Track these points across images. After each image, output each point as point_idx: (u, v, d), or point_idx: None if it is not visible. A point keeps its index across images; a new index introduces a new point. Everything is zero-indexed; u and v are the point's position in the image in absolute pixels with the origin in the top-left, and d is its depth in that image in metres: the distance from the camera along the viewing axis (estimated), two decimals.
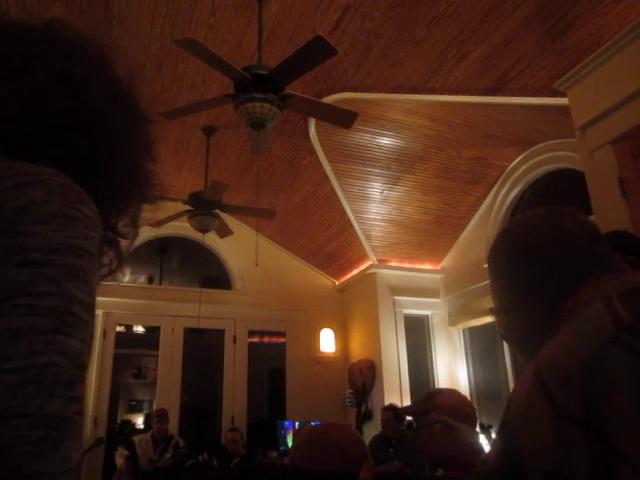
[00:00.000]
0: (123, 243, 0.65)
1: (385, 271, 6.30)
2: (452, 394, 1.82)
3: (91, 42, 0.60)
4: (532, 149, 5.17)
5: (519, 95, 4.02)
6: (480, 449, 1.64)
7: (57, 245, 0.44)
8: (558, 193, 5.00)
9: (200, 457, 4.62)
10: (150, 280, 7.76)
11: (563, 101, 3.25)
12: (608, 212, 2.76)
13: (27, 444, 0.38)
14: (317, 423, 1.57)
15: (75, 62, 0.57)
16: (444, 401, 1.74)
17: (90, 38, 0.60)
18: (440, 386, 6.07)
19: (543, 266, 0.79)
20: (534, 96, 3.98)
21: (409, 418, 5.34)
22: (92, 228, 0.48)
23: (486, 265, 0.91)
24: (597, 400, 0.55)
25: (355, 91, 4.26)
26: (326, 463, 1.26)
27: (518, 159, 5.33)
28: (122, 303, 6.16)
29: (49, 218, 0.44)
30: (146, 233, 6.38)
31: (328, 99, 4.24)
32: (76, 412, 0.42)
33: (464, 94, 4.16)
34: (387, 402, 5.50)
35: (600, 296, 0.67)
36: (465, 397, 1.85)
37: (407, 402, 5.78)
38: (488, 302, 0.91)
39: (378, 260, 6.24)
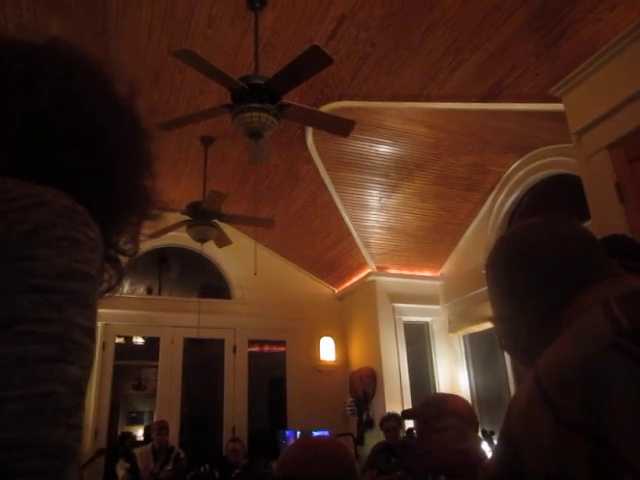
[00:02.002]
0: (123, 259, 0.65)
1: (384, 278, 6.30)
2: (462, 400, 1.82)
3: (91, 60, 0.60)
4: (529, 155, 5.19)
5: (515, 101, 4.04)
6: (482, 457, 1.63)
7: (61, 270, 0.44)
8: (556, 199, 5.01)
9: (202, 468, 4.60)
10: (149, 291, 7.75)
11: (559, 107, 3.27)
12: (606, 217, 2.77)
13: (32, 474, 0.38)
14: (310, 434, 1.56)
15: (76, 81, 0.57)
16: (457, 407, 1.73)
17: (90, 56, 0.60)
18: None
19: (541, 274, 0.79)
20: (530, 102, 4.00)
21: (409, 425, 5.32)
22: (95, 250, 0.48)
23: (485, 280, 0.91)
24: (597, 406, 0.55)
25: (352, 99, 4.28)
26: (329, 474, 1.25)
27: (515, 165, 5.35)
28: (121, 314, 6.13)
29: (55, 242, 0.45)
30: (144, 244, 6.37)
31: (325, 108, 4.26)
32: (76, 439, 0.42)
33: (460, 101, 4.18)
34: (388, 410, 5.49)
35: (598, 302, 0.67)
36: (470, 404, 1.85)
37: None
38: (488, 308, 0.91)
39: (377, 268, 6.24)
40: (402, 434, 4.86)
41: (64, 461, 0.40)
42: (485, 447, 4.55)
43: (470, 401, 5.89)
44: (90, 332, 0.46)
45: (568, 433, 0.57)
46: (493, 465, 0.69)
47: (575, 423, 0.56)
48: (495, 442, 4.42)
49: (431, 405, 1.75)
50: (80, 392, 0.43)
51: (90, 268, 0.47)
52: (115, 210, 0.60)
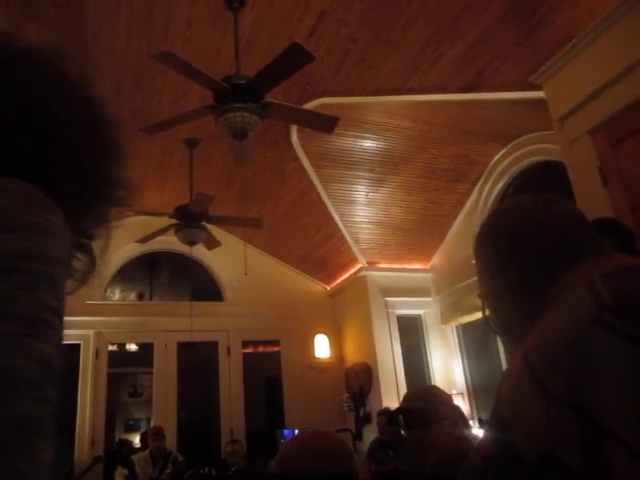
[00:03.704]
0: (98, 247, 0.64)
1: (375, 273, 6.31)
2: (442, 389, 1.83)
3: (33, 47, 0.59)
4: (512, 144, 5.22)
5: (497, 91, 4.06)
6: (473, 442, 1.64)
7: (24, 252, 0.44)
8: (541, 186, 5.05)
9: (201, 471, 4.59)
10: (140, 297, 7.72)
11: (540, 94, 3.29)
12: (590, 201, 2.79)
13: None
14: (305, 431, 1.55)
15: (18, 66, 0.56)
16: (444, 396, 1.75)
17: (42, 46, 0.59)
18: (437, 384, 6.08)
19: (530, 251, 0.80)
20: (512, 91, 4.02)
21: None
22: (59, 235, 0.48)
23: (473, 257, 0.91)
24: (584, 381, 0.56)
25: (335, 96, 4.28)
26: (328, 467, 1.26)
27: (500, 154, 5.38)
28: (113, 322, 6.11)
29: (15, 226, 0.44)
30: (134, 250, 6.34)
31: (308, 105, 4.26)
32: (45, 413, 0.41)
33: (443, 93, 4.20)
34: (385, 404, 5.51)
35: (584, 279, 0.68)
36: None
37: None
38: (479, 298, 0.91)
39: (367, 263, 6.25)
40: (399, 428, 4.86)
41: (29, 432, 0.39)
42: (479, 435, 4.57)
43: (465, 391, 5.92)
44: (58, 313, 0.45)
45: (558, 409, 0.57)
46: (485, 445, 0.70)
47: (564, 399, 0.57)
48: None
49: (425, 399, 1.75)
50: (51, 368, 0.43)
51: (55, 251, 0.46)
52: (81, 196, 0.59)
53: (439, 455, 1.64)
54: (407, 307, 6.39)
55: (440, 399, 1.73)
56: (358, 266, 6.33)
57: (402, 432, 4.77)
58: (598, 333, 0.57)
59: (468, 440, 1.65)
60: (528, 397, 0.61)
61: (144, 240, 5.23)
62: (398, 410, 1.84)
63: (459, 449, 1.61)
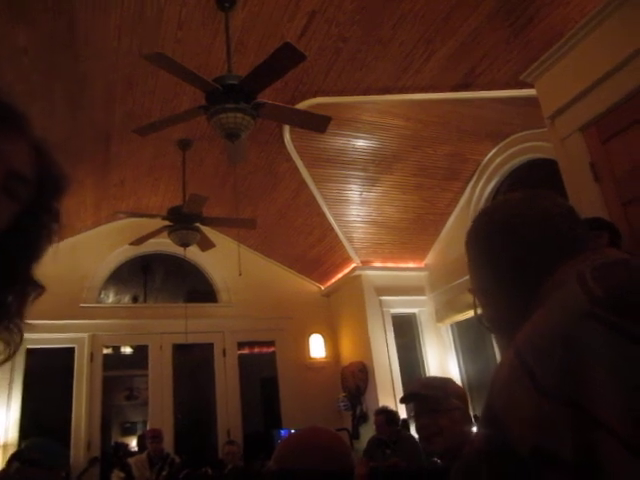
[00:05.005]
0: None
1: (370, 272, 6.32)
2: (456, 382, 1.84)
3: None
4: (505, 142, 5.24)
5: (488, 89, 4.08)
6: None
7: None
8: (534, 183, 5.07)
9: (198, 472, 4.59)
10: (135, 299, 7.68)
11: (532, 92, 3.31)
12: (582, 196, 2.81)
13: None
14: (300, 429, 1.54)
15: None
16: (457, 388, 1.76)
17: None
18: None
19: (523, 247, 0.80)
20: (503, 89, 4.04)
21: (404, 416, 5.35)
22: None
23: (465, 254, 0.91)
24: (577, 374, 0.56)
25: (327, 95, 4.29)
26: (326, 464, 1.26)
27: (492, 152, 5.40)
28: (108, 325, 6.09)
29: None
30: (127, 252, 6.33)
31: (301, 105, 4.26)
32: None
33: (434, 91, 4.21)
34: (381, 403, 5.51)
35: (575, 274, 0.68)
36: None
37: None
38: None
39: (362, 262, 6.26)
40: (396, 427, 4.86)
41: None
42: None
43: None
44: None
45: (550, 403, 0.57)
46: (479, 439, 0.70)
47: (557, 393, 0.57)
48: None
49: (437, 387, 1.75)
50: None
51: None
52: None
53: (445, 443, 1.64)
54: (402, 306, 6.40)
55: (453, 391, 1.74)
56: (352, 265, 6.33)
57: (400, 426, 4.79)
58: (590, 326, 0.58)
59: (468, 434, 1.66)
60: (520, 391, 0.61)
61: (138, 242, 5.21)
62: (410, 394, 1.83)
63: (464, 443, 1.61)
